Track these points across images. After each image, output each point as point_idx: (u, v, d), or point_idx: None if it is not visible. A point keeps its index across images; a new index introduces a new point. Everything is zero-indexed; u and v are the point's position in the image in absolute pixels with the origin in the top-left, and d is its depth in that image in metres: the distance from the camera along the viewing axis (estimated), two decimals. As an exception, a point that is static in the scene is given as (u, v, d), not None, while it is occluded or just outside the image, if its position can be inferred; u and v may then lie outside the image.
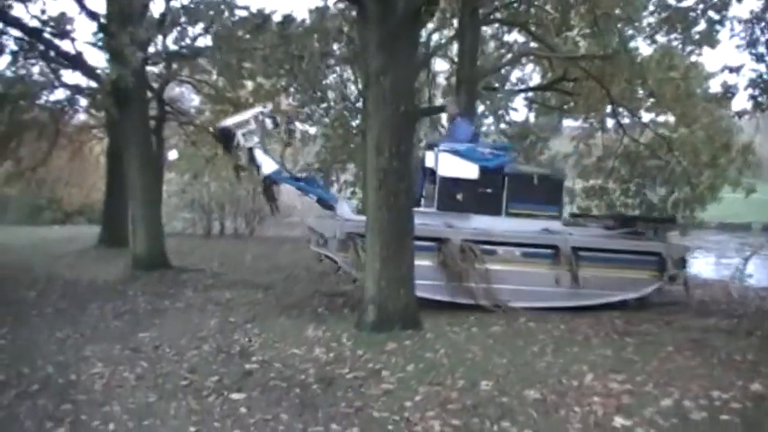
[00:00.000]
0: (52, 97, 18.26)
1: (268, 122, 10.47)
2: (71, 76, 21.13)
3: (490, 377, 6.56)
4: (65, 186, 29.02)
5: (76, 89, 17.45)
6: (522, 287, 10.06)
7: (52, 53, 15.69)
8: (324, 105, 20.71)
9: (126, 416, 5.61)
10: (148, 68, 16.54)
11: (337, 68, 20.88)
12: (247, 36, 14.28)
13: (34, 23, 15.08)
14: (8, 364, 7.26)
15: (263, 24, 14.35)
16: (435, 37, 20.39)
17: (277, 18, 14.94)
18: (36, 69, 16.65)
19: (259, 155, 10.10)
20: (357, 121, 20.90)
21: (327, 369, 6.91)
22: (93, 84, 16.53)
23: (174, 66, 17.75)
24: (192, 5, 14.50)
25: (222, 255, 18.28)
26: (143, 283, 12.61)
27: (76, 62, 15.65)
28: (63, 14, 15.26)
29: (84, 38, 29.16)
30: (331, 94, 20.92)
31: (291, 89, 19.67)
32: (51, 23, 15.14)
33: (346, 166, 22.52)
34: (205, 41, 15.48)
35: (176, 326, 9.02)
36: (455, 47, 17.76)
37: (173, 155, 23.33)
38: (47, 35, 15.25)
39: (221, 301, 10.39)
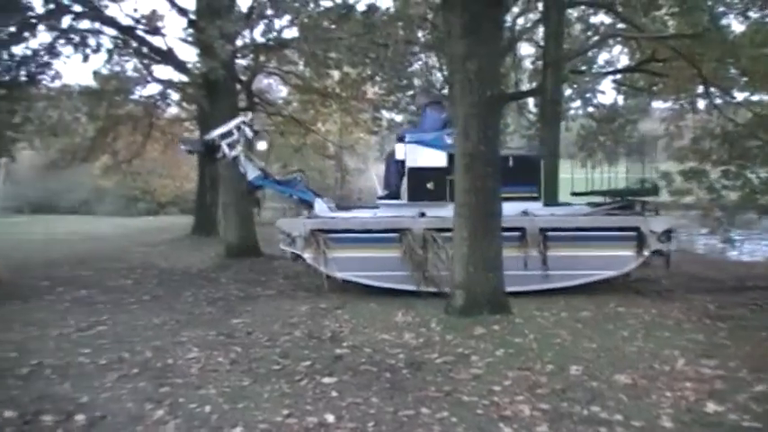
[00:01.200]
0: (145, 92, 18.86)
1: (248, 131, 10.76)
2: (162, 71, 21.68)
3: (579, 361, 6.56)
4: (158, 178, 29.77)
5: (168, 83, 17.93)
6: None
7: (145, 49, 16.14)
8: (410, 93, 20.70)
9: (221, 399, 5.75)
10: (237, 61, 16.85)
11: (422, 55, 20.85)
12: (332, 26, 14.39)
13: (127, 22, 15.57)
14: (109, 349, 7.51)
15: (348, 14, 14.44)
16: (520, 21, 20.20)
17: (361, 7, 15.07)
18: (129, 66, 17.18)
19: (243, 162, 10.67)
20: (443, 108, 20.84)
21: (416, 354, 6.97)
22: (184, 78, 16.96)
23: (262, 58, 18.04)
24: (278, -3, 14.72)
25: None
26: (235, 271, 12.86)
27: (168, 57, 16.07)
28: (154, 12, 15.72)
29: (174, 34, 29.75)
30: (416, 82, 20.89)
31: (377, 77, 19.75)
32: (143, 21, 15.59)
33: (434, 152, 22.45)
34: (291, 33, 15.70)
35: (268, 312, 9.20)
36: (540, 30, 17.57)
37: (262, 145, 23.65)
38: (140, 32, 15.71)
39: (311, 288, 10.55)
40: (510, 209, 9.97)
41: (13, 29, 14.08)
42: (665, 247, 10.07)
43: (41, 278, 12.39)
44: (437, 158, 10.49)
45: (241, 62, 17.80)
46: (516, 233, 9.98)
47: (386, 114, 22.09)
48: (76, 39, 15.28)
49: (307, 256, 10.35)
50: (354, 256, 10.22)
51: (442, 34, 16.88)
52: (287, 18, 15.28)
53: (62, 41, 15.36)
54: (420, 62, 21.19)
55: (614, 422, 5.07)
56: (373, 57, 16.89)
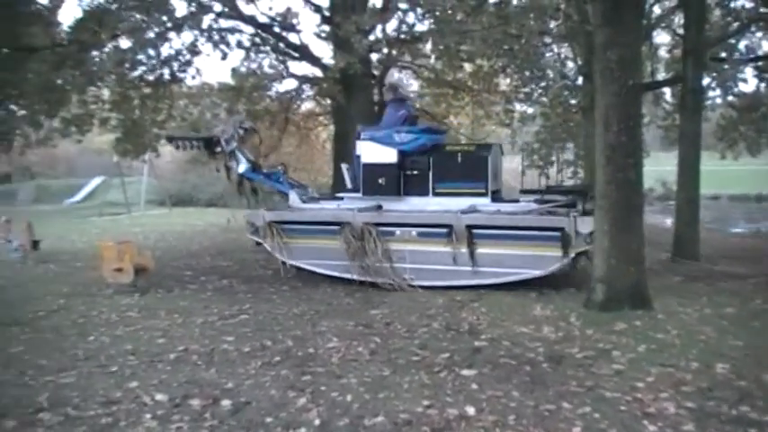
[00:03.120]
0: (281, 88, 19.25)
1: (240, 130, 12.17)
2: (297, 67, 22.08)
3: (725, 360, 6.35)
4: (293, 171, 30.23)
5: (305, 79, 18.27)
6: (422, 266, 10.48)
7: (281, 46, 16.51)
8: (542, 84, 20.40)
9: (362, 388, 5.84)
10: (370, 55, 17.01)
11: (554, 46, 20.54)
12: (466, 19, 14.32)
13: (263, 20, 15.98)
14: (252, 337, 7.78)
15: (481, 6, 14.36)
16: (656, 9, 19.58)
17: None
18: (266, 63, 17.60)
19: (237, 156, 12.06)
20: (576, 100, 20.47)
21: (556, 348, 6.90)
22: (319, 73, 17.24)
23: (394, 52, 18.15)
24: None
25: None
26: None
27: (304, 53, 16.38)
28: (289, 9, 16.06)
29: (307, 30, 30.33)
30: (549, 73, 20.57)
31: (509, 69, 19.58)
32: (279, 18, 15.96)
33: (566, 145, 22.13)
34: (422, 26, 15.73)
35: (405, 303, 9.28)
36: (677, 18, 17.02)
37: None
38: (276, 29, 16.08)
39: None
40: (457, 204, 10.60)
41: (157, 29, 14.70)
42: (592, 248, 9.79)
43: (184, 268, 12.88)
44: (388, 155, 11.01)
45: (373, 56, 17.98)
46: (444, 230, 10.29)
47: (518, 107, 21.89)
48: (217, 37, 15.80)
49: (267, 244, 11.53)
50: (305, 245, 11.29)
51: (575, 24, 16.63)
52: (420, 11, 15.32)
53: (203, 40, 15.91)
54: (552, 53, 20.88)
55: (765, 423, 4.90)
56: (506, 48, 16.75)
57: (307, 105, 23.76)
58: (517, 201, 11.19)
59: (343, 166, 12.57)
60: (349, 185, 11.93)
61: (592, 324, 7.69)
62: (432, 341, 7.31)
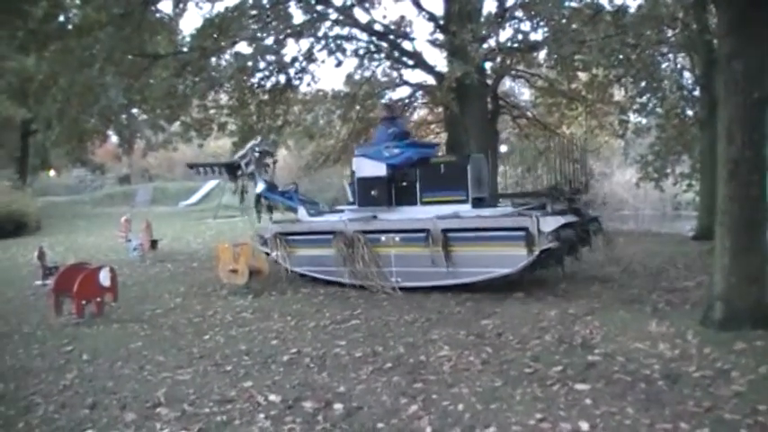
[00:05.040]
0: (395, 95, 19.44)
1: (255, 153, 13.15)
2: (410, 75, 22.24)
3: None
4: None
5: (418, 87, 18.39)
6: (406, 269, 11.19)
7: (396, 54, 16.66)
8: (658, 95, 19.95)
9: (474, 398, 5.81)
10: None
11: (671, 56, 20.09)
12: (582, 28, 14.16)
13: (378, 27, 16.16)
14: (363, 342, 7.87)
15: (598, 14, 14.19)
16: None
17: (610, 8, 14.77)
18: (379, 70, 17.81)
19: (256, 177, 13.16)
20: (693, 111, 19.96)
21: (673, 366, 6.68)
22: (432, 81, 17.32)
23: (508, 61, 18.07)
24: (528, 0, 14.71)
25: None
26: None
27: (417, 61, 16.48)
28: (403, 17, 16.21)
29: (419, 38, 30.50)
30: (666, 83, 20.09)
31: (624, 79, 19.27)
32: (393, 26, 16.12)
33: (681, 157, 21.59)
34: (536, 35, 15.63)
35: (516, 314, 9.12)
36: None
37: (503, 148, 23.74)
38: (391, 37, 16.24)
39: (558, 293, 10.43)
40: (442, 212, 11.10)
41: (275, 37, 15.05)
42: (555, 245, 10.15)
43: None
44: (378, 169, 11.77)
45: (487, 65, 17.95)
46: (423, 234, 10.89)
47: (632, 117, 21.50)
48: (333, 45, 16.07)
49: (274, 254, 12.45)
50: (305, 254, 12.21)
51: (694, 34, 16.21)
52: (536, 20, 15.23)
53: (319, 47, 16.21)
54: (668, 63, 20.42)
55: None
56: (622, 58, 16.49)
57: (420, 113, 23.91)
58: (496, 206, 11.79)
59: (345, 182, 13.57)
60: (350, 199, 12.62)
61: (710, 343, 7.40)
62: (544, 354, 7.20)
